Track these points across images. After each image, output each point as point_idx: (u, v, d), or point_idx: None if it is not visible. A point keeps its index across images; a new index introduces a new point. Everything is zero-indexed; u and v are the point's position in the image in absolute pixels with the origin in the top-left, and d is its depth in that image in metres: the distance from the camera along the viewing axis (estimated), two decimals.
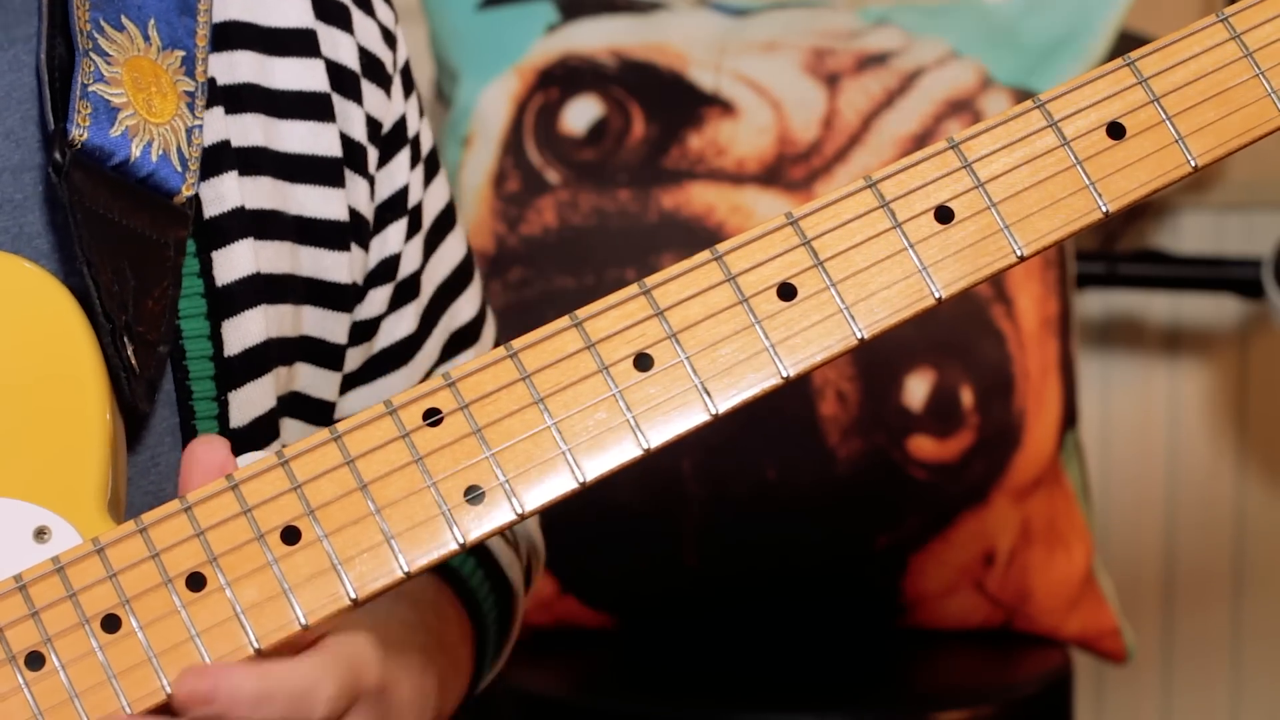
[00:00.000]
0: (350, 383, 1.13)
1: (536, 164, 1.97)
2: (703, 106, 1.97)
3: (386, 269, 1.12)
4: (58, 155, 0.94)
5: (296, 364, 1.07)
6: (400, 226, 1.13)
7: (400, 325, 1.14)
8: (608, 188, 1.95)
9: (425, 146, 1.16)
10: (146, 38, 1.01)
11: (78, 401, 0.92)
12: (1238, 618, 2.61)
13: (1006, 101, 1.97)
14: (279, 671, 0.86)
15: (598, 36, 2.01)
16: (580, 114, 1.98)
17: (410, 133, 1.14)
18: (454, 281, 1.18)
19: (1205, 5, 2.51)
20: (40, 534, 0.90)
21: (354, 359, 1.13)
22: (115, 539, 0.87)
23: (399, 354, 1.14)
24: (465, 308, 1.19)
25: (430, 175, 1.16)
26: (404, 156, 1.13)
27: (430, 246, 1.16)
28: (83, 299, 0.93)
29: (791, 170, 1.94)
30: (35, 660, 0.86)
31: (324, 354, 1.08)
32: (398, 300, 1.14)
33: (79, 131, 0.96)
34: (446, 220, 1.18)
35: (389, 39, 1.13)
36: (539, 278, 1.95)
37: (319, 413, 1.09)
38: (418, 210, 1.15)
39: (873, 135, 1.95)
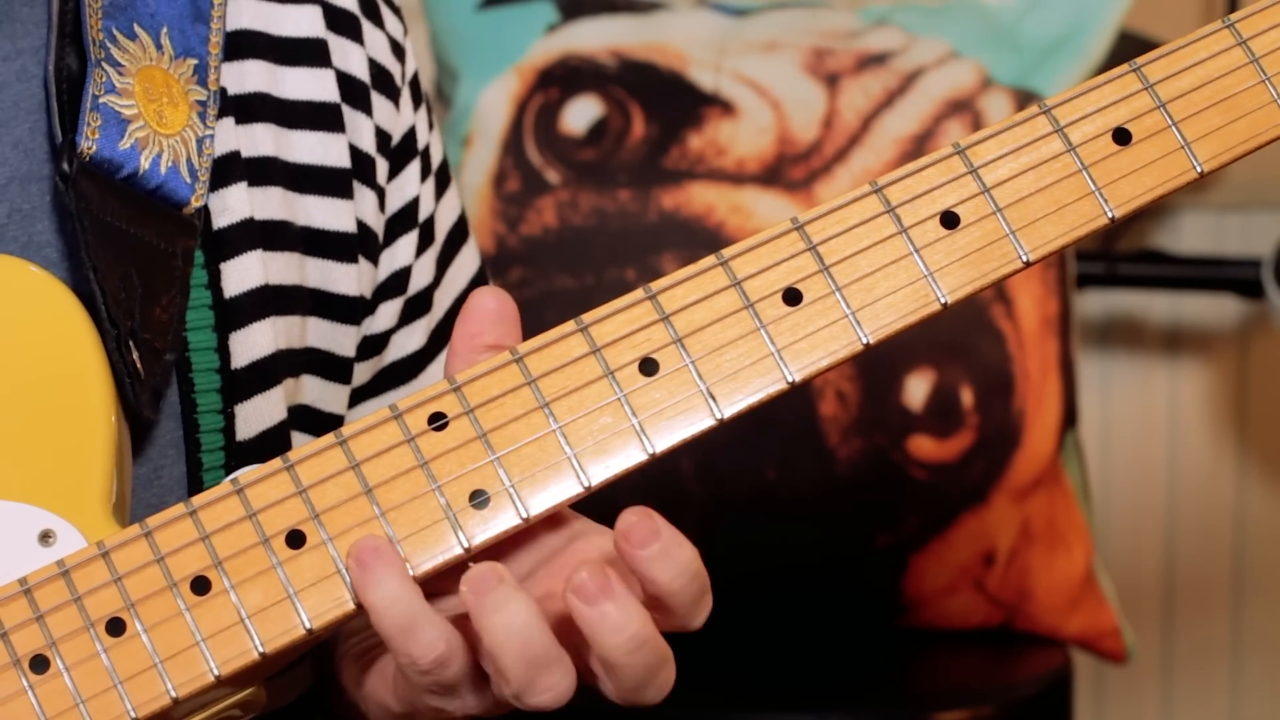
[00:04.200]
0: (359, 396, 1.13)
1: (536, 164, 1.96)
2: (703, 106, 1.96)
3: (397, 282, 1.12)
4: (65, 165, 0.94)
5: (302, 376, 1.06)
6: (411, 239, 1.12)
7: (411, 339, 1.14)
8: (608, 188, 1.95)
9: (436, 159, 1.15)
10: (159, 47, 1.00)
11: (83, 405, 0.91)
12: (1238, 617, 2.61)
13: (1006, 101, 1.96)
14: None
15: (598, 36, 2.01)
16: (580, 114, 1.97)
17: (420, 145, 1.13)
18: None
19: (1205, 4, 2.51)
20: (45, 537, 0.89)
21: (364, 373, 1.12)
22: (120, 543, 0.87)
23: (408, 368, 1.14)
24: None
25: (442, 188, 1.16)
26: (414, 169, 1.13)
27: (444, 262, 1.16)
28: (89, 304, 0.92)
29: (791, 170, 1.94)
30: (40, 664, 0.86)
31: (330, 366, 1.08)
32: (408, 315, 1.13)
33: (88, 144, 0.95)
34: (459, 234, 1.18)
35: (398, 51, 1.13)
36: (539, 278, 1.95)
37: (328, 427, 1.08)
38: (430, 224, 1.14)
39: (873, 135, 1.95)
